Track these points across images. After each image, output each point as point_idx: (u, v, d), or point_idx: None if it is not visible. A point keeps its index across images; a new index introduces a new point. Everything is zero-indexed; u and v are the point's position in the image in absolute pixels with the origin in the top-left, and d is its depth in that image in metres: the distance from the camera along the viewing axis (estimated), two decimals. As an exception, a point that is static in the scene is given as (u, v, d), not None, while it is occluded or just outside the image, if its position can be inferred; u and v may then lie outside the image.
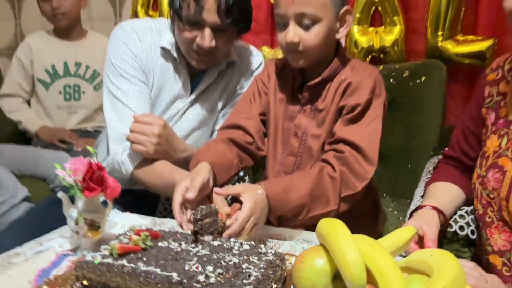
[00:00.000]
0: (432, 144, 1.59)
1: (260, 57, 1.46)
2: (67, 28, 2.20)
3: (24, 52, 2.19)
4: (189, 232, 0.88)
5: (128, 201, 1.32)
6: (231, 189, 0.97)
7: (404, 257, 0.77)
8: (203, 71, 1.37)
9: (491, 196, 0.97)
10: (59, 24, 2.17)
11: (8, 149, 1.96)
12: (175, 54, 1.32)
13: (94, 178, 0.87)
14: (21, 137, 2.23)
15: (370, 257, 0.63)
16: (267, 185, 0.97)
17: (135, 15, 2.23)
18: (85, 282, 0.76)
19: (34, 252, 0.93)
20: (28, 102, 2.25)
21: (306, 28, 1.06)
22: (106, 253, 0.78)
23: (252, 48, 1.48)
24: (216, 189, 0.98)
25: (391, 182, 1.67)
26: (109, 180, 0.89)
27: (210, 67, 1.35)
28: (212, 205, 0.91)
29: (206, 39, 1.21)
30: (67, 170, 0.87)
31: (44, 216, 1.44)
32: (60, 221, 1.09)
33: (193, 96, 1.37)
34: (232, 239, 0.84)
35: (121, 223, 1.03)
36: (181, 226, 0.95)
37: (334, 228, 0.66)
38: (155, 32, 1.35)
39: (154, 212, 1.38)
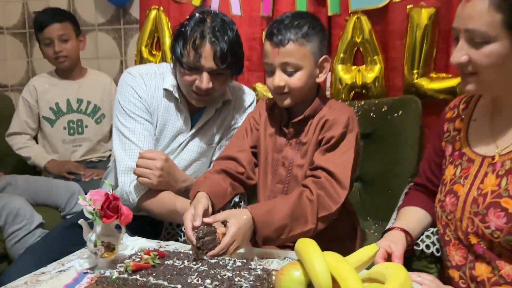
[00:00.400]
0: (410, 172, 1.76)
1: (252, 96, 1.64)
2: (69, 68, 2.35)
3: (30, 93, 2.32)
4: (191, 252, 1.04)
5: (135, 226, 1.48)
6: (218, 217, 1.11)
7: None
8: (202, 109, 1.54)
9: (449, 217, 1.14)
10: (61, 66, 2.32)
11: (23, 180, 2.12)
12: (176, 95, 1.50)
13: (110, 207, 1.03)
14: (31, 168, 2.36)
15: (336, 269, 0.79)
16: (253, 208, 1.13)
17: (139, 54, 2.41)
18: (105, 294, 0.92)
19: (57, 271, 1.08)
20: (35, 138, 2.39)
21: (290, 74, 1.24)
22: (122, 269, 0.94)
23: (245, 87, 1.65)
24: (205, 219, 1.11)
25: (374, 207, 1.82)
26: (123, 208, 1.05)
27: (208, 105, 1.53)
28: (212, 225, 1.08)
29: (204, 82, 1.39)
30: (88, 200, 1.03)
31: (57, 240, 1.59)
32: (71, 245, 1.25)
33: (193, 131, 1.54)
34: (227, 258, 1.01)
35: (131, 245, 1.19)
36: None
37: (307, 246, 0.82)
38: (159, 76, 1.53)
39: (158, 236, 1.54)
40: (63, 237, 1.61)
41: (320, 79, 1.30)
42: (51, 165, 2.28)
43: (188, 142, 1.56)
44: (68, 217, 2.00)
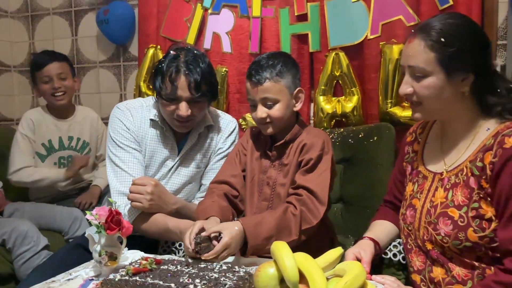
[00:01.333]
0: (385, 193, 1.92)
1: (234, 123, 1.80)
2: (63, 106, 2.43)
3: (28, 126, 2.37)
4: (183, 259, 1.20)
5: (133, 244, 1.63)
6: (213, 229, 1.28)
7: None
8: (186, 135, 1.70)
9: (409, 228, 1.30)
10: (58, 102, 2.39)
11: (29, 206, 2.28)
12: (161, 124, 1.66)
13: (113, 221, 1.19)
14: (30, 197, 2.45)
15: (303, 265, 0.95)
16: (244, 220, 1.30)
17: (138, 88, 2.60)
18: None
19: (66, 279, 1.23)
20: None
21: (270, 107, 1.43)
22: (123, 273, 1.09)
23: (227, 115, 1.82)
24: (202, 234, 1.27)
25: (353, 225, 1.97)
26: (124, 222, 1.21)
27: (191, 130, 1.68)
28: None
29: (183, 110, 1.55)
30: (94, 215, 1.19)
31: (63, 260, 1.72)
32: (75, 264, 1.38)
33: (180, 156, 1.69)
34: (215, 263, 1.16)
35: (131, 257, 1.34)
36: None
37: (280, 247, 0.99)
38: (145, 108, 1.69)
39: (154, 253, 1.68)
40: (67, 257, 1.74)
41: (296, 108, 1.49)
42: (68, 173, 2.38)
43: (177, 167, 1.70)
44: (71, 240, 2.15)
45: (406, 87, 1.21)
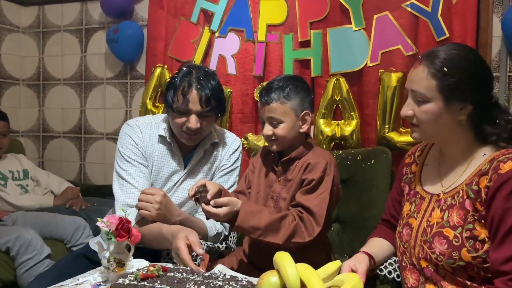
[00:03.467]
0: (381, 213, 1.98)
1: (238, 141, 1.87)
2: None
3: None
4: (188, 268, 1.25)
5: (136, 255, 1.68)
6: (219, 200, 1.38)
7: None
8: (193, 150, 1.76)
9: (405, 246, 1.36)
10: None
11: (33, 215, 2.32)
12: (169, 139, 1.72)
13: (123, 228, 1.25)
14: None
15: (304, 274, 1.01)
16: (245, 204, 1.40)
17: (144, 105, 2.69)
18: (118, 297, 1.12)
19: (74, 284, 1.28)
20: None
21: (275, 126, 1.51)
22: (132, 278, 1.15)
23: (232, 134, 1.89)
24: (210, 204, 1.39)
25: (350, 245, 2.03)
26: (133, 230, 1.27)
27: (197, 146, 1.75)
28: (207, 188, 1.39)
29: (192, 122, 1.62)
30: (105, 222, 1.25)
31: (65, 269, 1.76)
32: (77, 274, 1.42)
33: (186, 170, 1.76)
34: (217, 271, 1.22)
35: (137, 265, 1.39)
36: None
37: (282, 257, 1.05)
38: (154, 125, 1.76)
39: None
40: (70, 266, 1.78)
41: (303, 130, 1.56)
42: (58, 201, 2.51)
43: (182, 181, 1.77)
44: (73, 248, 2.19)
45: (407, 110, 1.28)
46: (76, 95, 3.15)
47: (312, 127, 2.42)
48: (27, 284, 1.89)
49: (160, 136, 1.74)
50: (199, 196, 1.37)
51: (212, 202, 1.37)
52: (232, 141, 1.85)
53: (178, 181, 1.76)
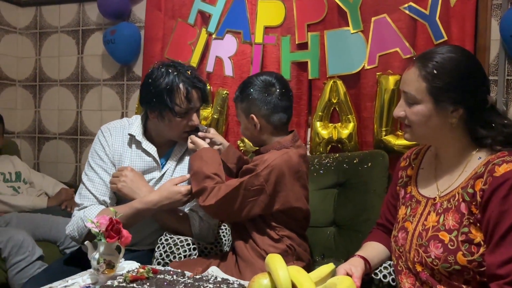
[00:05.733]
0: (377, 217, 1.96)
1: None
2: None
3: None
4: (179, 270, 1.23)
5: (128, 258, 1.66)
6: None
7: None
8: (169, 149, 1.77)
9: (400, 250, 1.34)
10: None
11: (26, 217, 2.30)
12: (139, 138, 1.72)
13: (113, 229, 1.23)
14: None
15: (295, 277, 0.99)
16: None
17: (140, 107, 2.66)
18: (106, 299, 1.10)
19: (63, 286, 1.26)
20: None
21: None
22: (121, 280, 1.12)
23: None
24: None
25: (345, 249, 2.00)
26: (123, 231, 1.25)
27: (174, 144, 1.77)
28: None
29: (196, 119, 1.68)
30: (95, 223, 1.23)
31: (58, 272, 1.73)
32: (68, 276, 1.40)
33: (163, 170, 1.74)
34: (210, 274, 1.20)
35: (127, 267, 1.37)
36: None
37: (274, 259, 1.03)
38: (127, 126, 1.76)
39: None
40: (63, 269, 1.76)
41: (257, 132, 1.59)
42: (52, 202, 2.49)
43: (160, 180, 1.74)
44: (66, 251, 2.16)
45: (399, 110, 1.28)
46: (73, 96, 3.13)
47: (309, 130, 2.40)
48: (19, 286, 1.86)
49: (130, 135, 1.73)
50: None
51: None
52: None
53: (155, 178, 1.74)
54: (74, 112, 3.12)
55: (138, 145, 1.74)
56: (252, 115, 1.57)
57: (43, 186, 2.69)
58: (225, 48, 2.52)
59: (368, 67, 2.24)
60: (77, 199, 1.69)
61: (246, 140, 2.43)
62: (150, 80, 1.65)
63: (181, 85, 1.62)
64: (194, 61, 2.56)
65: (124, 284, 1.10)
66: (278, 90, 1.57)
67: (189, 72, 1.66)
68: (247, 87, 1.59)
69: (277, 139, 1.59)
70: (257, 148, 1.66)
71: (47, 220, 2.30)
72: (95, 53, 3.04)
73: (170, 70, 1.64)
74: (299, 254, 1.56)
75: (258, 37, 2.45)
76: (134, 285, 1.09)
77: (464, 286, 1.19)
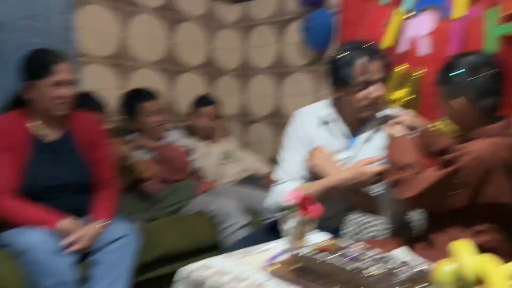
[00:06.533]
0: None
1: None
2: None
3: None
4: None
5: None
6: None
7: None
8: (358, 130, 1.80)
9: None
10: None
11: (234, 188, 2.74)
12: (328, 119, 1.80)
13: (305, 203, 1.35)
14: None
15: (484, 269, 0.94)
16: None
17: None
18: (298, 265, 1.23)
19: (259, 251, 1.45)
20: None
21: None
22: (309, 250, 1.23)
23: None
24: None
25: None
26: (314, 205, 1.36)
27: (364, 125, 1.79)
28: None
29: (377, 90, 1.69)
30: (289, 197, 1.37)
31: (257, 239, 1.97)
32: (265, 242, 1.57)
33: (352, 148, 1.80)
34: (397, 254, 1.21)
35: (318, 239, 1.47)
36: None
37: (461, 245, 0.99)
38: (318, 110, 1.85)
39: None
40: (262, 236, 1.98)
41: None
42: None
43: (349, 158, 1.79)
44: (266, 221, 2.43)
45: None
46: (273, 83, 3.41)
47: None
48: (227, 245, 2.18)
49: (320, 118, 1.81)
50: None
51: None
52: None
53: (342, 159, 1.79)
54: (274, 98, 3.40)
55: (328, 127, 1.83)
56: (457, 99, 1.48)
57: (249, 163, 3.04)
58: (421, 26, 2.41)
59: None
60: (274, 176, 1.88)
61: (442, 124, 2.29)
62: (331, 59, 1.77)
63: (357, 58, 1.67)
64: (387, 41, 2.52)
65: (311, 253, 1.20)
66: (487, 72, 1.45)
67: (367, 46, 1.70)
68: (451, 68, 1.51)
69: (485, 126, 1.46)
70: (459, 134, 1.56)
71: (252, 192, 2.63)
72: (293, 41, 3.23)
73: (349, 46, 1.73)
74: (498, 251, 1.43)
75: (458, 11, 2.26)
76: (319, 255, 1.18)
77: None
